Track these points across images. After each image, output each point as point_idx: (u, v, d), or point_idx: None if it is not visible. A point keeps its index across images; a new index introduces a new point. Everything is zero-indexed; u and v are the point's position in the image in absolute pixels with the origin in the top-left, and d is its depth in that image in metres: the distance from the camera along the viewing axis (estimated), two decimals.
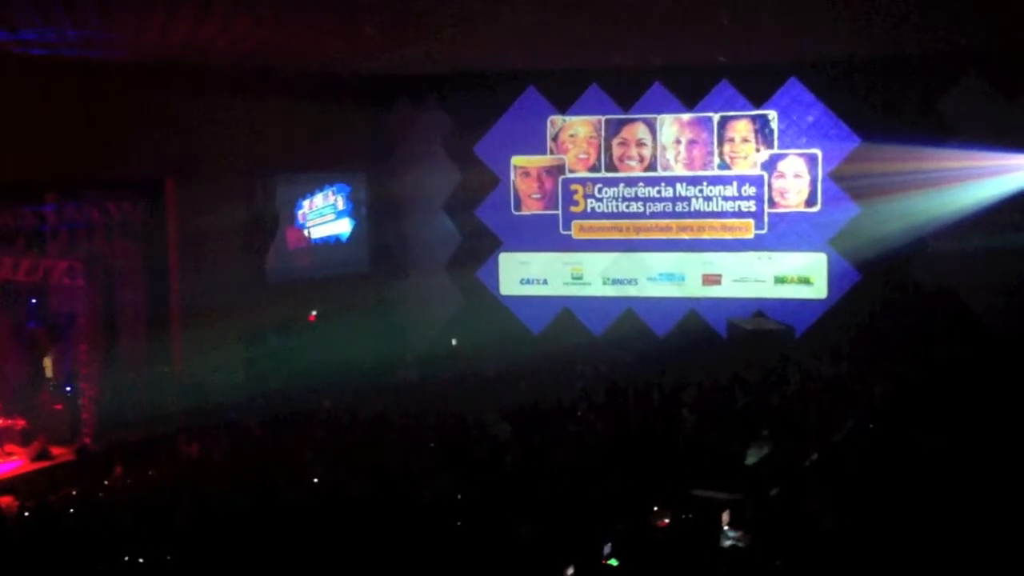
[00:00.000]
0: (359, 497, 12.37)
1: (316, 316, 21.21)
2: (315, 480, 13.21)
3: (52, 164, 16.07)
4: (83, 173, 16.62)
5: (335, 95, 20.95)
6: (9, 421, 16.24)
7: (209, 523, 11.90)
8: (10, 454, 15.97)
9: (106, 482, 14.16)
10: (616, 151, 21.87)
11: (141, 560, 10.52)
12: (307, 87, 19.99)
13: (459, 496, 12.28)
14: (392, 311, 22.46)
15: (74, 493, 13.78)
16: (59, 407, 16.88)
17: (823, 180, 20.86)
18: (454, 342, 21.75)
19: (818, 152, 20.88)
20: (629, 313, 21.93)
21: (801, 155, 21.00)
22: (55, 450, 16.16)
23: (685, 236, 21.64)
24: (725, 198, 21.33)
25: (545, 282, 22.36)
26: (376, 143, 22.59)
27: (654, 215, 21.75)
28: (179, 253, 18.45)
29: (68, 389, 17.15)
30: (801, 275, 21.11)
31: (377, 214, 22.76)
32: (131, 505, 12.61)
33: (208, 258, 18.61)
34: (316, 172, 21.60)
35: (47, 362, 17.38)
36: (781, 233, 21.15)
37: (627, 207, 21.83)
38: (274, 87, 19.28)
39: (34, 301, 17.05)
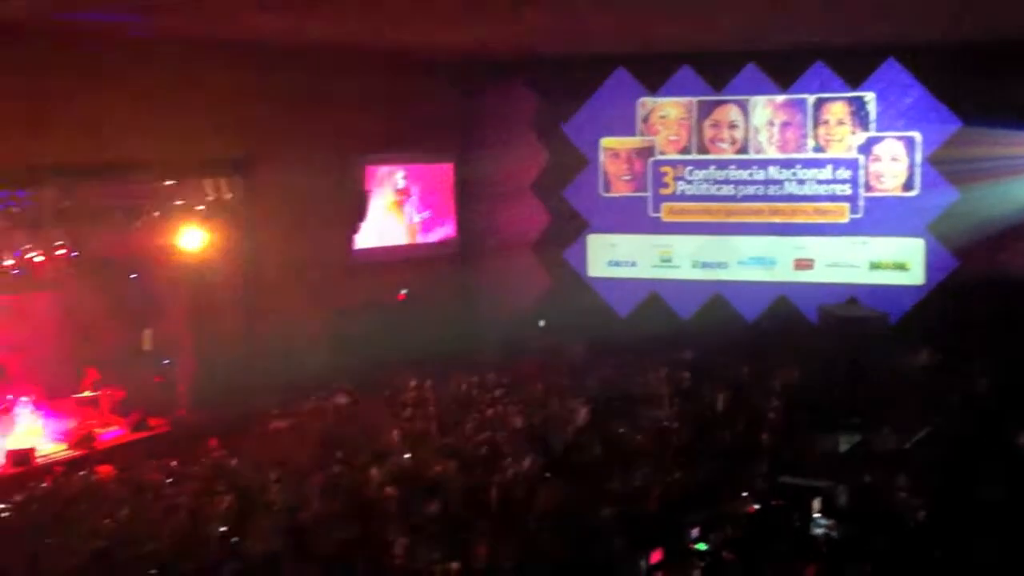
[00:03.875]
0: (441, 477, 12.51)
1: (405, 295, 21.37)
2: (405, 457, 13.38)
3: (149, 142, 16.42)
4: (178, 151, 16.96)
5: (424, 76, 21.04)
6: (110, 392, 16.73)
7: (297, 498, 12.15)
8: (111, 424, 16.48)
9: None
10: (707, 133, 21.62)
11: (235, 539, 10.80)
12: (396, 68, 20.11)
13: (545, 477, 12.34)
14: (479, 291, 22.55)
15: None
16: (157, 379, 17.35)
17: (921, 164, 20.36)
18: (541, 323, 21.76)
19: (916, 135, 20.36)
20: (718, 297, 21.70)
21: (899, 138, 20.50)
22: (152, 421, 16.64)
23: (777, 220, 21.30)
24: (819, 181, 20.95)
25: (633, 264, 22.24)
26: (465, 124, 22.65)
27: (745, 198, 21.45)
28: (271, 231, 18.73)
29: (166, 362, 17.60)
30: (897, 261, 20.65)
31: (465, 194, 22.84)
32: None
33: (299, 236, 18.87)
34: (405, 152, 21.73)
35: (146, 335, 17.84)
36: (877, 218, 20.69)
37: (718, 190, 21.58)
38: (364, 68, 19.42)
39: (134, 276, 17.48)
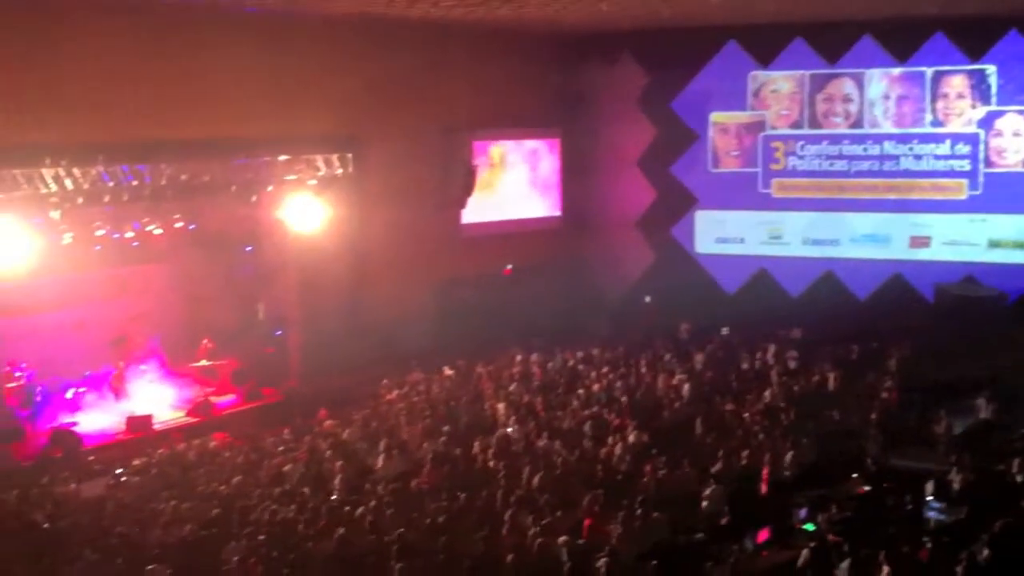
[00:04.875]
0: (546, 450, 12.59)
1: (511, 270, 21.45)
2: (510, 430, 13.48)
3: (263, 118, 16.75)
4: (291, 127, 17.25)
5: (532, 51, 21.03)
6: (226, 361, 17.20)
7: (405, 468, 12.35)
8: (226, 393, 16.95)
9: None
10: (820, 107, 21.16)
11: (346, 507, 11.02)
12: (504, 44, 20.13)
13: (652, 452, 12.33)
14: (584, 266, 22.51)
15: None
16: (270, 350, 17.76)
17: None
18: (647, 299, 21.65)
19: None
20: (829, 275, 21.27)
21: (1021, 112, 19.77)
22: (265, 390, 17.06)
23: (892, 196, 20.77)
24: (937, 157, 20.35)
25: (742, 241, 21.94)
26: (571, 99, 22.54)
27: (859, 174, 20.96)
28: (380, 205, 18.96)
29: (278, 333, 17.99)
30: (1017, 239, 19.96)
31: (571, 169, 22.78)
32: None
33: (407, 210, 19.07)
34: (512, 127, 21.77)
35: (260, 308, 18.25)
36: (996, 194, 20.02)
37: (830, 165, 21.13)
38: (473, 44, 19.49)
39: (248, 249, 17.87)
